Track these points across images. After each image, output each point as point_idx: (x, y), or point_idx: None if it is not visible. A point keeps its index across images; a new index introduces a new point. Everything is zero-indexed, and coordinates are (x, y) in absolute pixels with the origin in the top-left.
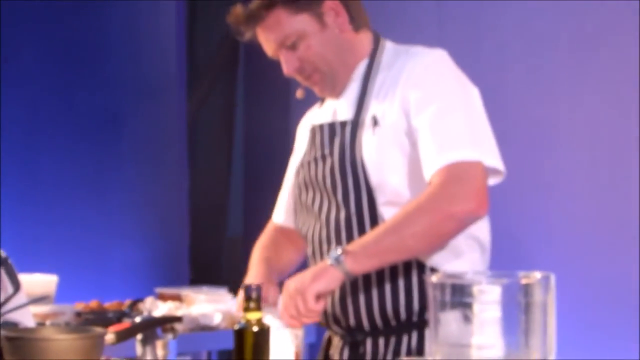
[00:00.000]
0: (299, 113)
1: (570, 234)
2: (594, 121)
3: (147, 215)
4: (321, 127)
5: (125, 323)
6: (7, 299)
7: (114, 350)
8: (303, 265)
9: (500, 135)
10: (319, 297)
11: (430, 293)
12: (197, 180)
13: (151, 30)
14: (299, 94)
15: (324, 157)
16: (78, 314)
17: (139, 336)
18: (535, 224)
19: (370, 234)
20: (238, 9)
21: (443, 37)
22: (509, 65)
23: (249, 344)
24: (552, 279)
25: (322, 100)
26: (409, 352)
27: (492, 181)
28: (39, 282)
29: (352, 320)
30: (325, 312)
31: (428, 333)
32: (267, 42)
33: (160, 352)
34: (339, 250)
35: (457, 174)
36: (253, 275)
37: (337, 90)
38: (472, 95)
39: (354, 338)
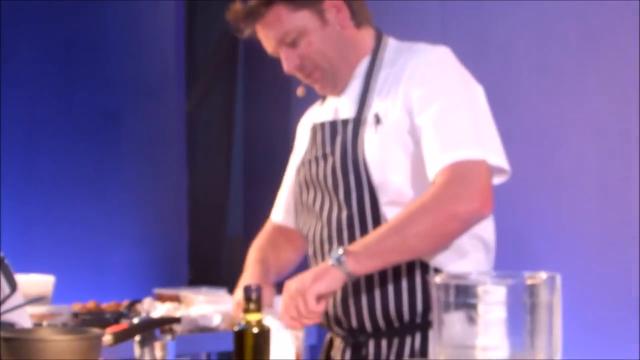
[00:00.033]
0: (300, 111)
1: (576, 234)
2: (600, 119)
3: (145, 215)
4: (322, 125)
5: (123, 324)
6: (4, 300)
7: (112, 352)
8: (303, 265)
9: (505, 134)
10: (320, 298)
11: (434, 294)
12: (196, 180)
13: (150, 30)
14: (300, 91)
15: (325, 156)
16: (75, 315)
17: (137, 337)
18: (540, 224)
19: (373, 234)
20: (237, 6)
21: (446, 37)
22: (513, 64)
23: (249, 346)
24: (558, 279)
25: (323, 98)
26: (412, 354)
27: (497, 180)
28: (35, 282)
29: (354, 322)
30: (326, 314)
31: (432, 334)
32: (267, 39)
33: (158, 353)
34: (341, 251)
35: (461, 173)
36: (248, 276)
37: (338, 88)
38: (476, 92)
39: (356, 340)
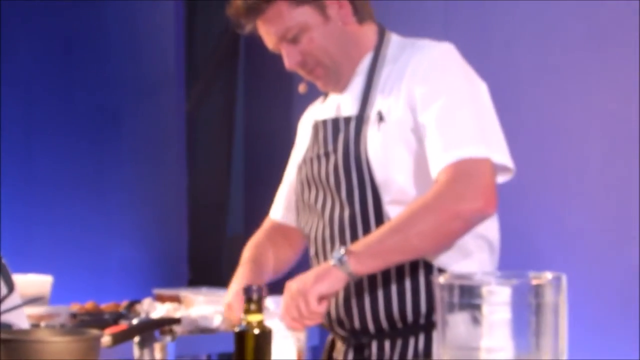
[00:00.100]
0: (302, 108)
1: (581, 233)
2: (604, 117)
3: (145, 215)
4: (324, 122)
5: (122, 325)
6: (1, 300)
7: (111, 353)
8: (304, 265)
9: (509, 132)
10: (321, 298)
11: (438, 294)
12: (196, 179)
13: (150, 28)
14: (302, 88)
15: (327, 154)
16: (73, 316)
17: (136, 338)
18: (545, 223)
19: (375, 234)
20: (238, 2)
21: (449, 35)
22: (517, 62)
23: (250, 347)
24: (564, 279)
25: (325, 95)
26: (415, 355)
27: (501, 179)
28: (33, 282)
29: (356, 323)
30: (328, 315)
31: (435, 335)
32: (268, 36)
33: (158, 355)
34: (342, 251)
35: (465, 171)
36: (239, 276)
37: (340, 85)
38: (480, 90)
39: (358, 341)
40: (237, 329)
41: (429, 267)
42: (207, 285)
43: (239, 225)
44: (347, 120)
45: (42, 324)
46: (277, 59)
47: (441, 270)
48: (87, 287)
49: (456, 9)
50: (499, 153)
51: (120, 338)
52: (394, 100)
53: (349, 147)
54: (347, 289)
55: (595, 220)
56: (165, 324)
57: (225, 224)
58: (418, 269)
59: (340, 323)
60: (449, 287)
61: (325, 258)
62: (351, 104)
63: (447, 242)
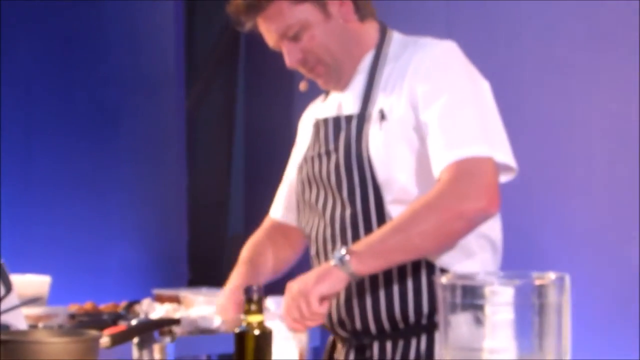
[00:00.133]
0: (303, 107)
1: (584, 233)
2: (608, 116)
3: (144, 214)
4: (325, 121)
5: (121, 326)
6: None
7: (109, 354)
8: (305, 265)
9: (512, 131)
10: (323, 299)
11: (440, 295)
12: (196, 178)
13: (149, 26)
14: (302, 86)
15: (328, 153)
16: (72, 316)
17: (136, 339)
18: (549, 223)
19: (376, 233)
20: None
21: (452, 36)
22: (519, 61)
23: (250, 348)
24: (567, 279)
25: (326, 93)
26: (417, 356)
27: (504, 178)
28: (31, 282)
29: (358, 324)
30: (329, 315)
31: (438, 336)
32: (269, 33)
33: (157, 356)
34: (343, 251)
35: (467, 171)
36: (233, 277)
37: (342, 83)
38: (483, 88)
39: (360, 342)
40: (237, 330)
41: (431, 267)
42: (207, 286)
43: (240, 225)
44: (349, 118)
45: (40, 324)
46: (277, 56)
47: (443, 270)
48: (85, 288)
49: (458, 8)
50: (502, 152)
51: (119, 339)
52: (395, 98)
53: (350, 146)
54: (348, 290)
55: (599, 220)
56: (164, 325)
57: (225, 224)
58: (420, 269)
59: (342, 324)
60: (452, 288)
61: (326, 258)
62: (352, 102)
63: (450, 241)
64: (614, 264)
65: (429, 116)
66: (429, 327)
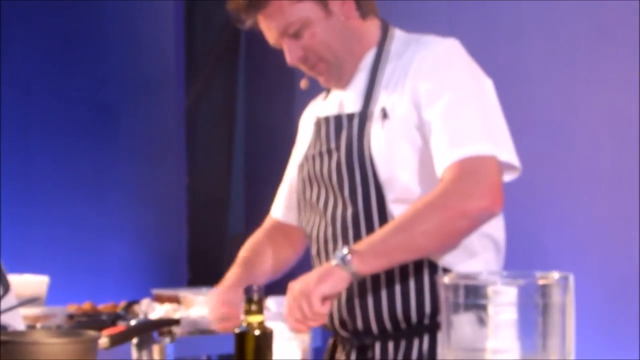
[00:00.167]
0: (304, 104)
1: (588, 232)
2: (612, 114)
3: (143, 213)
4: (327, 119)
5: (120, 326)
6: None
7: (108, 355)
8: (306, 265)
9: (515, 130)
10: (325, 299)
11: (443, 294)
12: (196, 177)
13: (149, 24)
14: (303, 84)
15: (329, 152)
16: (70, 317)
17: (135, 340)
18: (552, 222)
19: (378, 233)
20: None
21: (454, 34)
22: (522, 60)
23: (250, 349)
24: (571, 279)
25: (327, 91)
26: (420, 357)
27: (507, 177)
28: (29, 282)
29: (359, 324)
30: (331, 316)
31: (440, 336)
32: (269, 30)
33: (157, 356)
34: (345, 250)
35: (471, 169)
36: (227, 277)
37: (343, 81)
38: (486, 86)
39: (361, 342)
40: (237, 330)
41: (433, 267)
42: (207, 286)
43: (240, 224)
44: (350, 117)
45: (38, 325)
46: (278, 54)
47: (446, 270)
48: (84, 288)
49: (461, 6)
50: (506, 151)
51: (118, 339)
52: (398, 96)
53: (352, 145)
54: (349, 290)
55: (603, 219)
56: (164, 325)
57: (225, 223)
58: (422, 269)
59: (343, 324)
60: (454, 287)
61: (328, 258)
62: (354, 100)
63: (453, 241)
64: (617, 264)
65: (431, 114)
66: (432, 327)
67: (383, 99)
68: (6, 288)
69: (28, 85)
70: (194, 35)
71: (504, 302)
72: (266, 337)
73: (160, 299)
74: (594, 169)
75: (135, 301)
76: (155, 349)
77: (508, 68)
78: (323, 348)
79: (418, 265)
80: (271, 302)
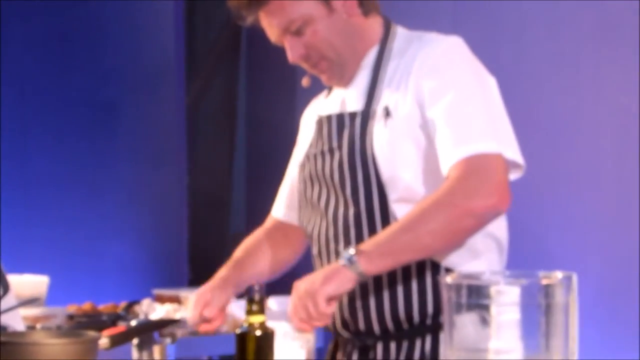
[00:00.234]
0: (305, 103)
1: (592, 231)
2: (616, 113)
3: (143, 212)
4: (329, 118)
5: (121, 327)
6: None
7: (109, 355)
8: (307, 264)
9: (518, 128)
10: (330, 299)
11: (445, 294)
12: (197, 175)
13: (149, 20)
14: (305, 82)
15: (331, 151)
16: (70, 317)
17: (135, 340)
18: (556, 221)
19: (384, 232)
20: None
21: (458, 32)
22: (526, 58)
23: (251, 349)
24: (574, 279)
25: (329, 89)
26: (422, 357)
27: (512, 176)
28: (29, 283)
29: (361, 324)
30: (332, 316)
31: (443, 337)
32: (271, 28)
33: (157, 357)
34: (352, 250)
35: (477, 167)
36: (215, 277)
37: (345, 79)
38: (490, 84)
39: (363, 343)
40: (238, 331)
41: (436, 267)
42: None
43: (241, 223)
44: (353, 115)
45: (38, 325)
46: (279, 52)
47: (449, 270)
48: (84, 288)
49: (465, 4)
50: (511, 149)
51: (119, 340)
52: (401, 95)
53: (354, 143)
54: (351, 290)
55: (605, 219)
56: (164, 326)
57: (226, 222)
58: (425, 269)
59: (345, 324)
60: (457, 287)
61: (329, 258)
62: (356, 98)
63: (459, 240)
64: (617, 264)
65: (435, 113)
66: (434, 328)
67: (386, 97)
68: (6, 288)
69: (27, 85)
70: (194, 34)
71: (506, 302)
72: (267, 337)
73: (161, 299)
74: (597, 169)
75: (136, 301)
76: (156, 349)
77: (511, 67)
78: (324, 348)
79: (420, 266)
80: (272, 302)
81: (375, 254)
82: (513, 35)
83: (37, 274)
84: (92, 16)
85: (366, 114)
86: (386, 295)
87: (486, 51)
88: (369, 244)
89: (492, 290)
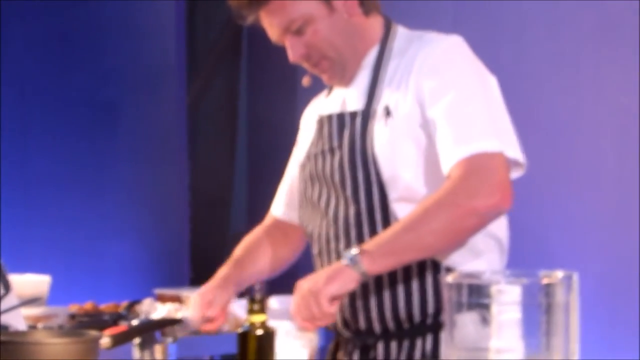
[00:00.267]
0: (306, 102)
1: (593, 231)
2: (617, 112)
3: (145, 212)
4: (329, 117)
5: (122, 326)
6: None
7: (110, 355)
8: (309, 263)
9: (519, 128)
10: (333, 299)
11: (446, 294)
12: (198, 175)
13: (150, 19)
14: (306, 81)
15: (332, 150)
16: (72, 317)
17: (137, 340)
18: (556, 221)
19: (387, 232)
20: None
21: (458, 31)
22: (527, 58)
23: (253, 348)
24: (575, 278)
25: (330, 88)
26: (423, 356)
27: (514, 174)
28: (30, 282)
29: (362, 324)
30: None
31: (443, 336)
32: (271, 27)
33: (159, 356)
34: (355, 250)
35: (478, 166)
36: (216, 276)
37: (346, 78)
38: (490, 83)
39: (364, 342)
40: (239, 330)
41: (436, 267)
42: None
43: (242, 223)
44: (353, 115)
45: (40, 325)
46: (280, 52)
47: (449, 270)
48: (85, 288)
49: (465, 4)
50: (512, 147)
51: (120, 339)
52: (401, 94)
53: (354, 143)
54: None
55: (605, 218)
56: (166, 325)
57: (228, 221)
58: (425, 268)
59: (346, 324)
60: (457, 287)
61: (329, 257)
62: (357, 98)
63: (461, 239)
64: (618, 263)
65: (436, 112)
66: (435, 327)
67: (386, 96)
68: (7, 288)
69: (27, 84)
70: (195, 34)
71: (507, 301)
72: (268, 336)
73: (163, 299)
74: (597, 169)
75: (137, 301)
76: (158, 349)
77: (511, 67)
78: (325, 348)
79: (421, 265)
80: (274, 301)
81: (378, 253)
82: (513, 35)
83: (39, 274)
84: (92, 16)
85: (367, 114)
86: (387, 295)
87: (486, 51)
88: (371, 243)
89: (493, 289)
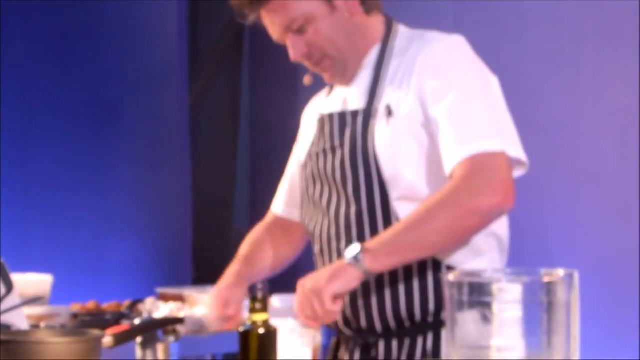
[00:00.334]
0: (308, 101)
1: (594, 229)
2: (617, 112)
3: (147, 211)
4: (331, 116)
5: (124, 325)
6: (0, 300)
7: (112, 354)
8: (310, 262)
9: (520, 127)
10: (336, 297)
11: (447, 292)
12: (200, 174)
13: (151, 19)
14: (307, 80)
15: (333, 149)
16: (74, 316)
17: (139, 339)
18: (557, 219)
19: (389, 231)
20: None
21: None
22: (527, 57)
23: (254, 347)
24: (576, 276)
25: (331, 87)
26: (424, 355)
27: (516, 174)
28: (33, 282)
29: (363, 322)
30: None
31: (444, 334)
32: (273, 26)
33: (161, 355)
34: (358, 248)
35: (481, 166)
36: (227, 275)
37: (347, 77)
38: (492, 83)
39: (365, 341)
40: (241, 329)
41: (437, 266)
42: (211, 284)
43: (244, 222)
44: (355, 114)
45: (42, 324)
46: (282, 52)
47: (450, 269)
48: (88, 287)
49: (466, 3)
50: (514, 147)
51: (122, 338)
52: (403, 94)
53: (356, 142)
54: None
55: (607, 218)
56: (168, 324)
57: (230, 221)
58: (426, 267)
59: (347, 322)
60: (459, 285)
61: (331, 256)
62: (358, 97)
63: (464, 238)
64: (618, 263)
65: (438, 111)
66: (436, 325)
67: (388, 96)
68: (9, 287)
69: (28, 84)
70: (197, 34)
71: (508, 299)
72: (270, 335)
73: (165, 298)
74: (597, 168)
75: (140, 300)
76: (160, 348)
77: (511, 67)
78: (327, 346)
79: (422, 264)
80: (276, 300)
81: (381, 252)
82: (513, 35)
83: (41, 273)
84: (93, 16)
85: (368, 113)
86: (388, 293)
87: (486, 51)
88: (374, 242)
89: (494, 287)
